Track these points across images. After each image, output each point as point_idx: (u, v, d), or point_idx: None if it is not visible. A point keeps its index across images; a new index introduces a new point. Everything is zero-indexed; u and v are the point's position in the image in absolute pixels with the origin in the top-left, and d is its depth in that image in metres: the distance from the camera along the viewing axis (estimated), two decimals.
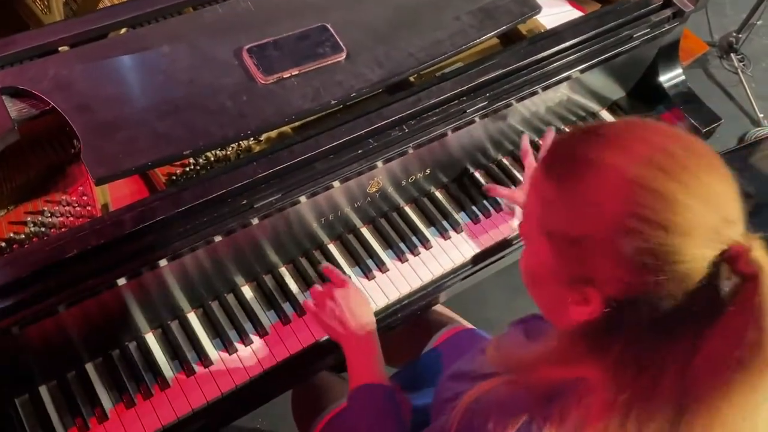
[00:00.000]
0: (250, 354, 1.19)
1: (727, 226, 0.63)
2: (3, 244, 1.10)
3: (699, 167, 0.64)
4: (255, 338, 1.21)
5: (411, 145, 1.23)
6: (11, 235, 1.11)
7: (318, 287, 1.20)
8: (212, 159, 1.24)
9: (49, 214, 1.13)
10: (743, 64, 2.93)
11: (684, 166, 0.64)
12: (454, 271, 1.36)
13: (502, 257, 1.42)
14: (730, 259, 0.62)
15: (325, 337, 1.22)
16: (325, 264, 1.27)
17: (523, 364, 0.75)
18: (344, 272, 1.29)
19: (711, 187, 0.64)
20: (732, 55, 2.92)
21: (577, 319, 0.70)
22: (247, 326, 1.22)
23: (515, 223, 1.42)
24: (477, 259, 1.38)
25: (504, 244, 1.40)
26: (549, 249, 0.70)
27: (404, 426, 1.04)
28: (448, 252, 1.36)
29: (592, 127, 0.71)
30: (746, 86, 2.82)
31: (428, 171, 1.36)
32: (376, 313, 1.28)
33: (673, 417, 0.64)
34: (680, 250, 0.62)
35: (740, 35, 2.89)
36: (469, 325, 1.42)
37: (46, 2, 1.42)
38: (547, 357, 0.73)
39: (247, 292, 1.26)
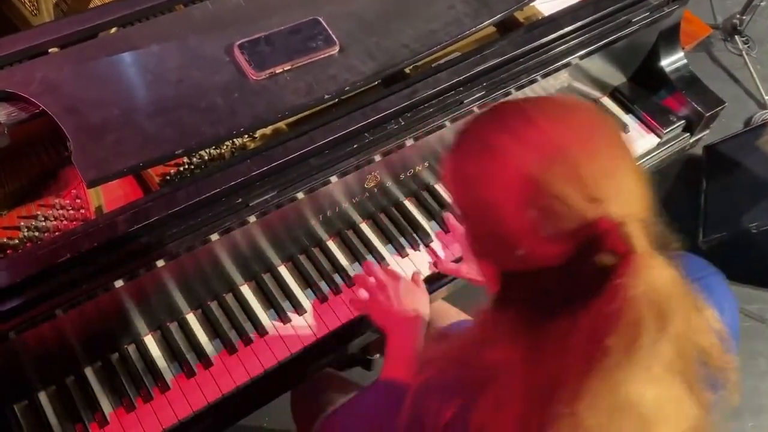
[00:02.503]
0: (250, 354, 1.18)
1: (595, 205, 0.64)
2: None
3: (580, 151, 0.66)
4: (255, 338, 1.20)
5: (408, 137, 1.21)
6: (5, 240, 1.10)
7: (375, 270, 1.22)
8: (206, 158, 1.22)
9: (43, 219, 1.12)
10: (748, 47, 2.88)
11: (562, 151, 0.66)
12: None
13: None
14: (597, 236, 0.63)
15: (326, 336, 1.21)
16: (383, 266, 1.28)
17: (459, 348, 0.78)
18: (343, 267, 1.28)
19: (586, 169, 0.65)
20: (736, 37, 2.88)
21: (491, 291, 0.75)
22: (247, 326, 1.21)
23: None
24: None
25: None
26: (463, 222, 0.78)
27: None
28: (450, 246, 1.34)
29: (494, 108, 0.75)
30: (751, 68, 2.78)
31: (427, 164, 1.34)
32: None
33: (559, 397, 0.64)
34: (549, 228, 0.65)
35: (744, 17, 2.84)
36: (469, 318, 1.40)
37: (35, 4, 1.40)
38: (475, 337, 0.76)
39: (247, 291, 1.25)
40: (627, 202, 0.66)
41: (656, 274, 0.61)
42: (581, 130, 0.69)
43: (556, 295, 0.67)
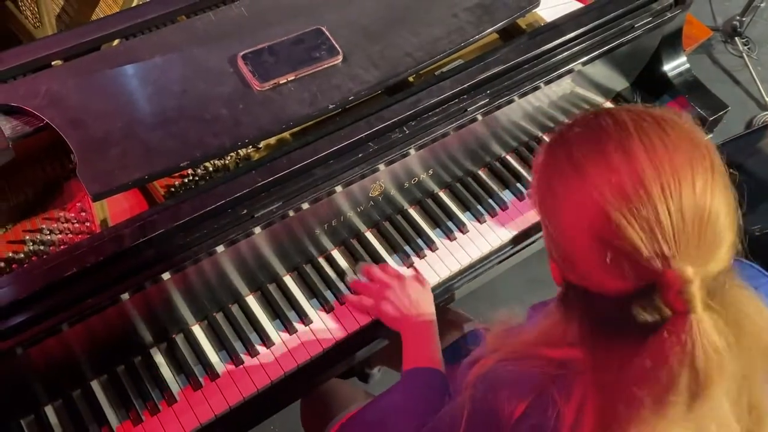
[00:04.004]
0: (257, 365, 1.18)
1: (661, 261, 0.63)
2: (2, 264, 1.09)
3: (662, 195, 0.63)
4: (261, 349, 1.19)
5: (412, 146, 1.20)
6: (10, 254, 1.09)
7: (377, 272, 1.24)
8: (211, 169, 1.22)
9: (48, 232, 1.12)
10: (748, 48, 2.89)
11: (648, 193, 0.63)
12: (461, 273, 1.33)
13: (511, 255, 1.40)
14: (658, 286, 0.63)
15: (332, 345, 1.21)
16: (381, 265, 1.28)
17: (523, 344, 0.78)
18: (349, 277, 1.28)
19: (664, 220, 0.63)
20: (736, 39, 2.88)
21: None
22: (253, 337, 1.20)
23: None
24: (484, 259, 1.36)
25: (511, 242, 1.38)
26: (540, 217, 0.77)
27: None
28: (455, 253, 1.34)
29: (597, 116, 0.71)
30: (752, 70, 2.78)
31: (431, 171, 1.33)
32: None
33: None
34: (612, 264, 0.64)
35: (744, 19, 2.85)
36: (482, 326, 1.40)
37: (37, 16, 1.40)
38: (542, 336, 0.77)
39: (252, 302, 1.24)
40: (704, 257, 0.63)
41: (705, 341, 0.61)
42: (679, 165, 0.64)
43: (610, 322, 0.68)
